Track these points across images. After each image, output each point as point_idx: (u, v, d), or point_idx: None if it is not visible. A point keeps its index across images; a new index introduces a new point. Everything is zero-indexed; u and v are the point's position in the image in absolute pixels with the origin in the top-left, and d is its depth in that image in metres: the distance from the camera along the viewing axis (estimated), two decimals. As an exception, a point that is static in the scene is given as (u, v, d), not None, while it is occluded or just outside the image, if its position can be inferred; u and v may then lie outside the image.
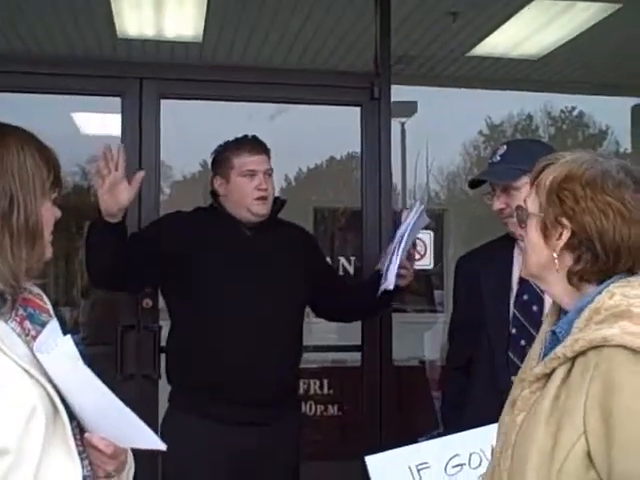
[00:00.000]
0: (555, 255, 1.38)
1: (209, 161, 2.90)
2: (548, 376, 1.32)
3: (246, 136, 2.82)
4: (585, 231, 1.34)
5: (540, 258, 1.41)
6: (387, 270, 2.73)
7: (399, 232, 2.73)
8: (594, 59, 4.69)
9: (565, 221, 1.36)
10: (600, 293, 1.33)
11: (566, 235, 1.36)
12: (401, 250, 2.69)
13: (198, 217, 2.84)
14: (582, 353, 1.26)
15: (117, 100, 3.34)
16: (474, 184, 2.48)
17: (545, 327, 1.46)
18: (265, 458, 2.68)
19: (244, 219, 2.77)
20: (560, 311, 1.45)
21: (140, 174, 2.62)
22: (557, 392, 1.28)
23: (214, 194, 2.84)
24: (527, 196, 1.46)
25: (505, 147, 2.41)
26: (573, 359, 1.28)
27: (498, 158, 2.39)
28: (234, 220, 2.78)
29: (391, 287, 2.71)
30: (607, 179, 1.35)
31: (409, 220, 2.71)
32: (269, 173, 2.80)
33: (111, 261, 2.56)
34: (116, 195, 2.49)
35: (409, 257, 2.83)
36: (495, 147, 2.50)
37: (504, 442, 1.37)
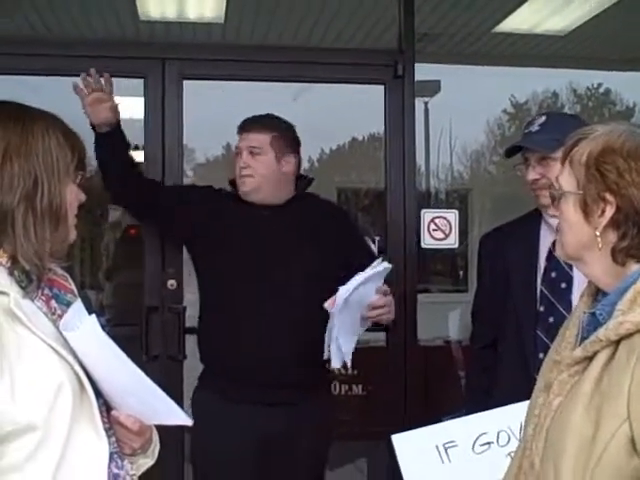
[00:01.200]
0: (597, 233, 1.32)
1: (233, 143, 2.92)
2: (588, 360, 1.29)
3: (255, 115, 2.83)
4: (632, 205, 1.29)
5: (580, 237, 1.36)
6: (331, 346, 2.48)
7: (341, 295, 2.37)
8: (621, 34, 4.61)
9: (609, 196, 1.30)
10: None
11: (610, 211, 1.31)
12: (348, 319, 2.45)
13: (225, 196, 2.88)
14: (627, 336, 1.22)
15: (137, 82, 3.33)
16: (509, 152, 2.44)
17: (582, 308, 1.41)
18: (292, 439, 2.69)
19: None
20: (597, 292, 1.41)
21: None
22: (599, 375, 1.25)
23: None
24: (559, 174, 1.40)
25: (544, 117, 2.37)
26: (617, 342, 1.24)
27: (537, 127, 2.35)
28: (249, 201, 2.78)
29: (338, 365, 2.54)
30: None
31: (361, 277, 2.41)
32: (253, 151, 2.75)
33: (114, 169, 2.85)
34: (97, 112, 2.78)
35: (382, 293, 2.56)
36: (533, 117, 2.46)
37: (537, 424, 1.35)
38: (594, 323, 1.33)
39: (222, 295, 2.73)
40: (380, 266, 2.43)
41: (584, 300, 1.43)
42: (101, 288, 5.43)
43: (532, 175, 2.34)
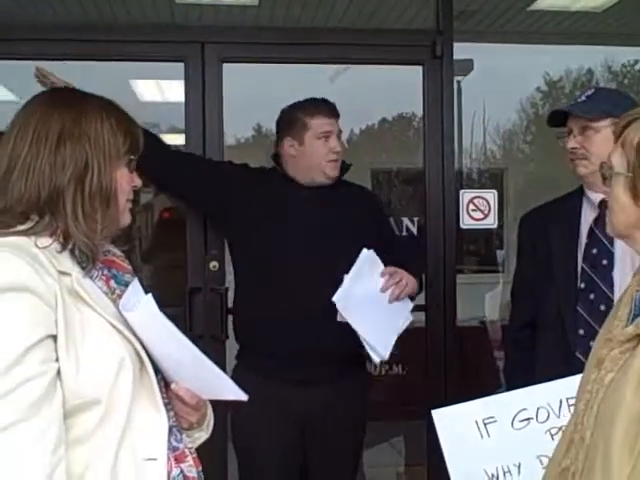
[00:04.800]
0: None
1: (268, 125, 2.92)
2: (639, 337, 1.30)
3: (317, 99, 2.83)
4: None
5: (629, 218, 1.37)
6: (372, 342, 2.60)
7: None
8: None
9: None
10: None
11: None
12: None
13: (262, 175, 2.90)
14: None
15: (173, 66, 3.36)
16: (553, 121, 2.44)
17: (634, 287, 1.42)
18: (331, 416, 2.73)
19: (306, 181, 2.79)
20: None
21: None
22: None
23: (277, 155, 2.86)
24: (612, 152, 1.41)
25: (592, 90, 2.40)
26: None
27: (584, 98, 2.36)
28: (294, 183, 2.79)
29: (377, 360, 2.66)
30: None
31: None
32: (339, 135, 2.82)
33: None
34: None
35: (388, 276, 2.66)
36: (582, 91, 2.48)
37: (589, 400, 1.36)
38: (646, 302, 1.34)
39: (265, 274, 2.74)
40: (361, 256, 2.54)
41: (637, 278, 1.43)
42: (138, 270, 5.50)
43: (572, 143, 2.35)
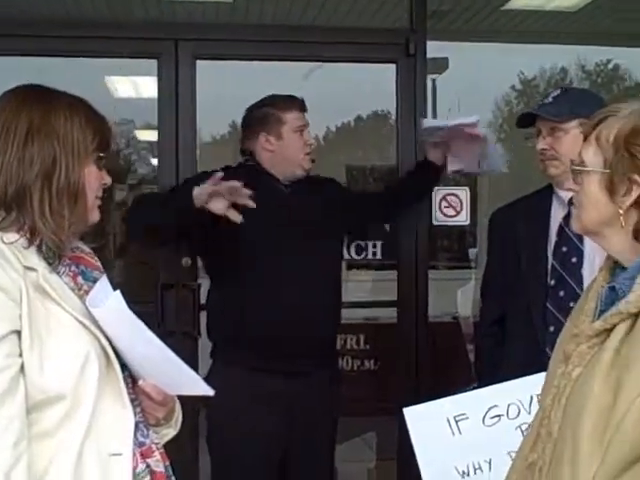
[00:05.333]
0: (621, 212, 1.33)
1: (240, 122, 2.93)
2: (607, 332, 1.31)
3: (284, 94, 2.86)
4: None
5: (601, 215, 1.36)
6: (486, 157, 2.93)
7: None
8: (631, 9, 4.59)
9: (637, 177, 1.31)
10: None
11: (637, 191, 1.31)
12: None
13: (234, 174, 2.81)
14: None
15: (148, 62, 3.35)
16: (522, 122, 2.46)
17: (600, 282, 1.43)
18: (308, 408, 2.74)
19: (285, 175, 2.82)
20: (615, 266, 1.42)
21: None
22: (619, 346, 1.27)
23: (247, 152, 2.86)
24: (583, 149, 1.40)
25: (559, 90, 2.42)
26: (636, 315, 1.26)
27: (550, 99, 2.38)
28: (272, 177, 2.81)
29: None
30: None
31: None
32: (309, 131, 2.88)
33: (170, 228, 2.70)
34: (217, 200, 2.53)
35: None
36: (549, 91, 2.50)
37: (556, 394, 1.37)
38: (612, 296, 1.35)
39: (247, 269, 2.72)
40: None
41: (602, 274, 1.44)
42: (111, 266, 5.47)
43: (542, 145, 2.37)
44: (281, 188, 2.83)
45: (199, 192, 2.52)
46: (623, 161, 1.33)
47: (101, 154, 1.53)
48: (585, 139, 1.40)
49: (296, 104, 2.83)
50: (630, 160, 1.32)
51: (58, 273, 1.46)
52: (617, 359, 1.27)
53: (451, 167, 2.96)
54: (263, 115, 2.83)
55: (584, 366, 1.33)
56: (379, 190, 3.21)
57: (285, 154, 2.81)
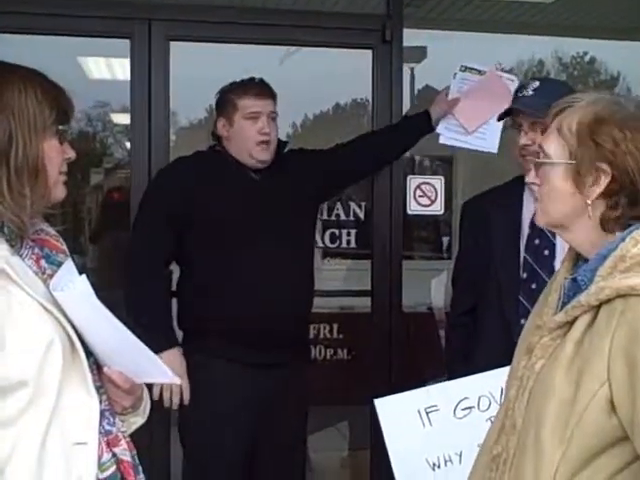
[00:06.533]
0: (589, 202, 1.33)
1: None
2: (569, 324, 1.31)
3: (252, 78, 2.80)
4: (627, 175, 1.30)
5: (566, 206, 1.36)
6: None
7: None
8: (607, 3, 4.60)
9: (605, 166, 1.31)
10: (623, 240, 1.29)
11: (605, 181, 1.31)
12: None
13: (200, 164, 2.80)
14: (607, 301, 1.24)
15: (121, 43, 3.28)
16: (501, 115, 2.45)
17: (563, 274, 1.43)
18: (280, 399, 2.73)
19: (247, 163, 2.76)
20: (577, 258, 1.42)
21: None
22: (580, 338, 1.27)
23: (217, 137, 2.81)
24: (545, 141, 1.39)
25: (538, 82, 2.37)
26: (597, 307, 1.26)
27: (531, 92, 2.34)
28: (239, 164, 2.76)
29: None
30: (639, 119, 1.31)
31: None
32: (273, 117, 2.77)
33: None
34: None
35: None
36: (525, 82, 2.46)
37: (519, 387, 1.37)
38: (575, 288, 1.35)
39: (216, 259, 2.69)
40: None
41: (565, 266, 1.44)
42: (84, 252, 5.41)
43: (524, 140, 2.34)
44: (250, 176, 2.76)
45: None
46: (589, 151, 1.32)
47: (61, 127, 1.47)
48: (544, 131, 1.39)
49: (252, 89, 2.73)
50: (595, 149, 1.32)
51: (21, 256, 1.42)
52: (578, 352, 1.27)
53: (447, 134, 3.11)
54: (223, 100, 2.79)
55: (547, 358, 1.33)
56: (355, 138, 3.10)
57: (236, 142, 2.73)
